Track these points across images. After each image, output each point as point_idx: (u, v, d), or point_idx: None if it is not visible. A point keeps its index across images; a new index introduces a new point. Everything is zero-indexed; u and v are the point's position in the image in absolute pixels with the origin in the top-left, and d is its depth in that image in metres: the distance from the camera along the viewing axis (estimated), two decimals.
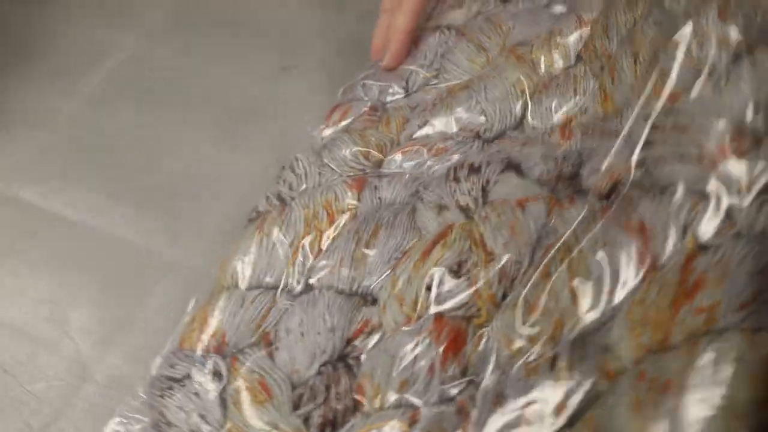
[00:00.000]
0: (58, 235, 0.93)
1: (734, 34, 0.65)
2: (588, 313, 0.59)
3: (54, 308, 0.86)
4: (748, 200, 0.58)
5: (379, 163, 0.81)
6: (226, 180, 0.94)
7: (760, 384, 0.50)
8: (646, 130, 0.66)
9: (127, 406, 0.72)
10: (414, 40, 0.92)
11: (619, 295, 0.59)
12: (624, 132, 0.69)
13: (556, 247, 0.64)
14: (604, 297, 0.60)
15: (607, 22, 0.80)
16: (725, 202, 0.59)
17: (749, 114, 0.60)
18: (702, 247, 0.57)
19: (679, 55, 0.67)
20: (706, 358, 0.51)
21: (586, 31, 0.82)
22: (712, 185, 0.60)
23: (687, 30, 0.68)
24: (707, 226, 0.58)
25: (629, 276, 0.59)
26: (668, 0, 0.74)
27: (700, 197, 0.60)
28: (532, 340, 0.60)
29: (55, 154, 1.02)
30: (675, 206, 0.60)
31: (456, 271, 0.66)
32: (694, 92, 0.65)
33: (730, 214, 0.58)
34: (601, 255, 0.61)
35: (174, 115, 1.03)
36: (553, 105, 0.79)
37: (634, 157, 0.66)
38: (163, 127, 1.02)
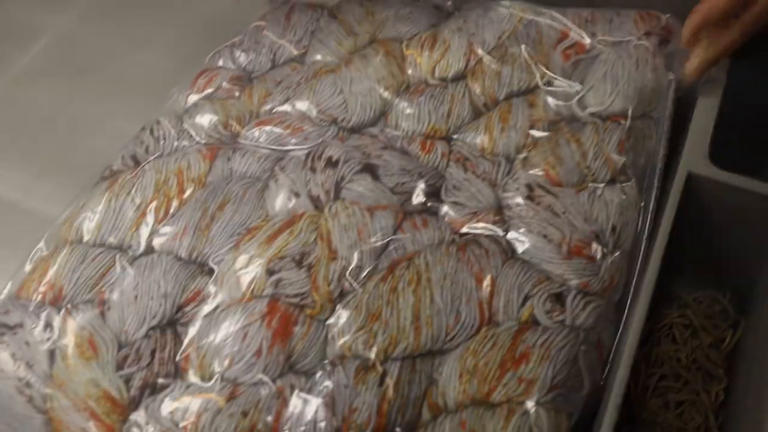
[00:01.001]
0: None
1: (620, 163, 0.73)
2: (424, 340, 0.65)
3: None
4: (580, 296, 0.67)
5: (236, 135, 0.83)
6: None
7: None
8: (521, 198, 0.73)
9: None
10: (286, 14, 0.93)
11: (457, 332, 0.66)
12: (499, 181, 0.74)
13: (406, 265, 0.69)
14: (443, 330, 0.66)
15: (501, 69, 0.82)
16: (563, 290, 0.67)
17: (607, 232, 0.70)
18: (534, 322, 0.66)
19: (576, 155, 0.74)
20: (518, 425, 0.60)
21: (472, 60, 0.84)
22: (560, 272, 0.68)
23: (589, 141, 0.75)
24: (544, 305, 0.66)
25: (468, 320, 0.66)
26: (577, 107, 0.79)
27: (546, 277, 0.68)
28: (366, 345, 0.65)
29: None
30: (524, 276, 0.68)
31: (298, 261, 0.69)
32: (572, 190, 0.73)
33: (562, 300, 0.66)
34: (447, 291, 0.67)
35: (101, 95, 1.05)
36: (420, 113, 0.81)
37: (503, 213, 0.73)
38: (89, 106, 1.03)
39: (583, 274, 0.68)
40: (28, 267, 0.76)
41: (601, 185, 0.72)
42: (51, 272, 0.73)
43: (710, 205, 0.75)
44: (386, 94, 0.83)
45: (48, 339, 0.69)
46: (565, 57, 0.82)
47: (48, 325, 0.70)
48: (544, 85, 0.80)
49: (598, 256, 0.69)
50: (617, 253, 0.70)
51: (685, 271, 0.81)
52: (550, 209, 0.71)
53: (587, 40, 0.82)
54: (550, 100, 0.79)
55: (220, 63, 0.92)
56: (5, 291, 0.74)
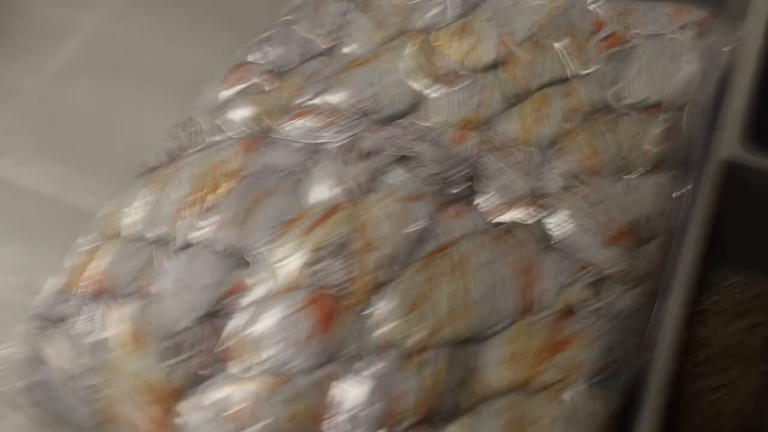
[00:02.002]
0: (23, 207, 0.96)
1: (656, 155, 0.75)
2: (463, 328, 0.66)
3: (23, 277, 0.89)
4: (616, 284, 0.68)
5: (269, 129, 0.83)
6: None
7: None
8: (557, 187, 0.73)
9: (10, 336, 0.74)
10: (314, 8, 0.94)
11: (494, 321, 0.67)
12: (533, 171, 0.75)
13: (442, 254, 0.70)
14: (482, 318, 0.67)
15: (534, 60, 0.82)
16: (600, 278, 0.68)
17: (643, 222, 0.71)
18: (572, 309, 0.67)
19: (612, 145, 0.75)
20: (559, 411, 0.61)
21: (503, 50, 0.84)
22: (597, 260, 0.69)
23: (626, 132, 0.76)
24: (581, 293, 0.67)
25: (506, 309, 0.67)
26: (613, 98, 0.79)
27: (583, 265, 0.69)
28: (406, 334, 0.66)
29: (21, 128, 1.04)
30: (561, 265, 0.69)
31: (336, 253, 0.70)
32: (609, 180, 0.74)
33: (599, 288, 0.67)
34: (484, 279, 0.68)
35: (135, 90, 1.06)
36: (451, 104, 0.82)
37: (538, 202, 0.73)
38: (125, 102, 1.05)
39: (620, 262, 0.69)
40: (70, 261, 0.77)
41: (637, 176, 0.73)
42: (93, 266, 0.74)
43: (746, 189, 0.75)
44: (417, 86, 0.84)
45: (92, 332, 0.70)
46: (600, 49, 0.82)
47: (92, 318, 0.71)
48: (578, 76, 0.81)
49: (635, 245, 0.69)
50: (653, 242, 0.71)
51: (720, 257, 0.81)
52: (586, 199, 0.72)
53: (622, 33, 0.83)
54: (585, 91, 0.79)
55: (251, 58, 0.92)
56: (48, 285, 0.75)
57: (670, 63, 0.79)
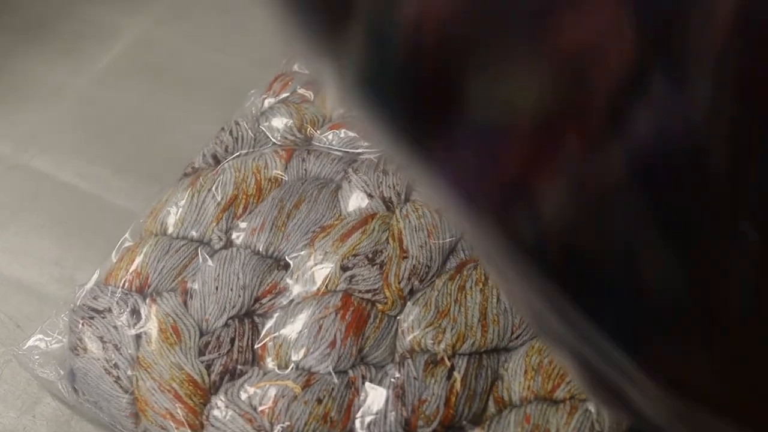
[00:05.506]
0: (65, 203, 0.99)
1: None
2: (491, 337, 0.68)
3: (62, 270, 0.92)
4: None
5: (310, 137, 0.86)
6: None
7: None
8: None
9: (51, 325, 0.77)
10: None
11: (521, 331, 0.69)
12: None
13: (473, 265, 0.72)
14: (509, 328, 0.69)
15: None
16: None
17: None
18: None
19: None
20: (580, 421, 0.63)
21: None
22: None
23: None
24: None
25: None
26: None
27: None
28: (435, 340, 0.68)
29: (66, 126, 1.07)
30: None
31: (371, 259, 0.73)
32: None
33: None
34: None
35: (177, 95, 1.09)
36: None
37: None
38: (166, 105, 1.08)
39: None
40: (114, 256, 0.79)
41: None
42: (137, 262, 0.76)
43: None
44: None
45: (135, 324, 0.73)
46: None
47: (134, 311, 0.73)
48: None
49: None
50: None
51: None
52: None
53: None
54: None
55: (296, 68, 0.95)
56: (94, 278, 0.78)
57: None
